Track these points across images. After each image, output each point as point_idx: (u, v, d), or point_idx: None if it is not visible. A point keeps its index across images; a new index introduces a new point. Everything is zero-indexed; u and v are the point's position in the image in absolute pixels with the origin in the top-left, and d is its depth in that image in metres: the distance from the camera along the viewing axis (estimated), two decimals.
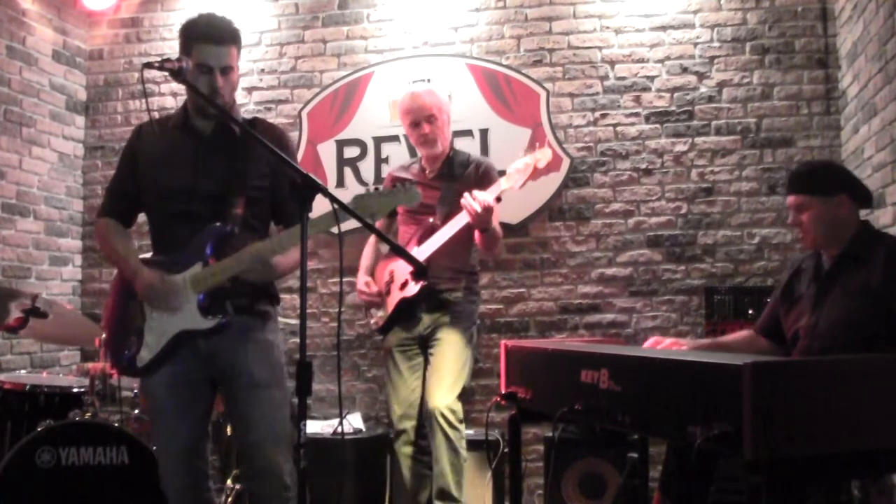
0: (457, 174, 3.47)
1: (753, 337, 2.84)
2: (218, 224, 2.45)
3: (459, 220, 3.25)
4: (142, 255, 2.65)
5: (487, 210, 3.14)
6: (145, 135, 2.60)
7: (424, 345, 3.44)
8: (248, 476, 2.59)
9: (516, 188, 3.34)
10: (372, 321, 3.56)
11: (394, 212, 3.56)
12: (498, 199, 3.25)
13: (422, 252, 3.29)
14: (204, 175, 2.49)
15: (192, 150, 2.52)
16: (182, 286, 2.44)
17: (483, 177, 3.45)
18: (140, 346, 2.48)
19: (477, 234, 3.29)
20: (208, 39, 2.44)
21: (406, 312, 3.42)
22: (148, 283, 2.43)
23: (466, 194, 3.18)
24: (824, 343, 2.50)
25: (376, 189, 2.31)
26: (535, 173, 3.35)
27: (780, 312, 2.74)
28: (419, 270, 2.86)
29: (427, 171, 3.55)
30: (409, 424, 3.42)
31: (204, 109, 2.51)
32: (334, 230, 2.14)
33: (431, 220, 3.37)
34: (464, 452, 3.31)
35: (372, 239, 3.66)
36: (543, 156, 3.32)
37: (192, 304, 2.43)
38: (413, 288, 3.33)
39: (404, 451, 3.45)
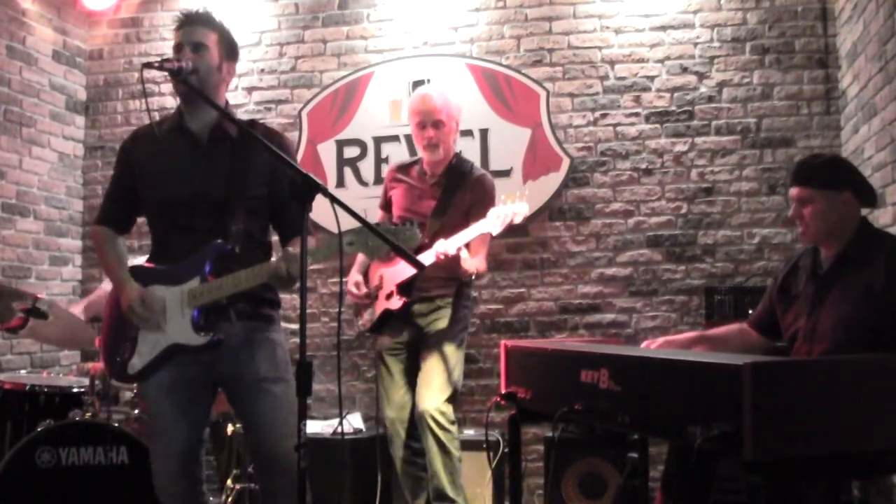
0: (454, 186, 3.46)
1: (744, 330, 2.83)
2: (220, 241, 2.45)
3: (428, 257, 3.21)
4: (141, 259, 2.65)
5: (448, 258, 3.16)
6: (141, 142, 2.60)
7: (416, 349, 3.44)
8: (262, 472, 2.58)
9: (493, 234, 3.32)
10: (360, 322, 3.57)
11: (389, 208, 3.57)
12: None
13: (410, 268, 3.28)
14: (203, 186, 2.48)
15: (189, 159, 2.51)
16: (177, 300, 2.44)
17: (479, 196, 3.43)
18: (133, 353, 2.49)
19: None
20: (180, 23, 2.55)
21: (390, 321, 3.44)
22: (128, 303, 2.46)
23: (437, 243, 3.19)
24: (825, 345, 2.49)
25: (377, 224, 2.27)
26: (511, 225, 3.32)
27: (778, 310, 2.73)
28: (417, 268, 2.85)
29: (428, 176, 3.54)
30: (402, 428, 3.42)
31: (196, 105, 2.51)
32: (334, 230, 2.15)
33: (420, 234, 3.34)
34: (457, 452, 3.31)
35: None
36: (520, 210, 3.27)
37: (186, 320, 2.43)
38: (396, 302, 3.36)
39: (398, 454, 3.45)
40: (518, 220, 3.30)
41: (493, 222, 3.24)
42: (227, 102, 2.64)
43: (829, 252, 2.60)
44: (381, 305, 3.43)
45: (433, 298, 3.42)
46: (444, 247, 3.17)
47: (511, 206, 3.26)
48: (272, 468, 2.49)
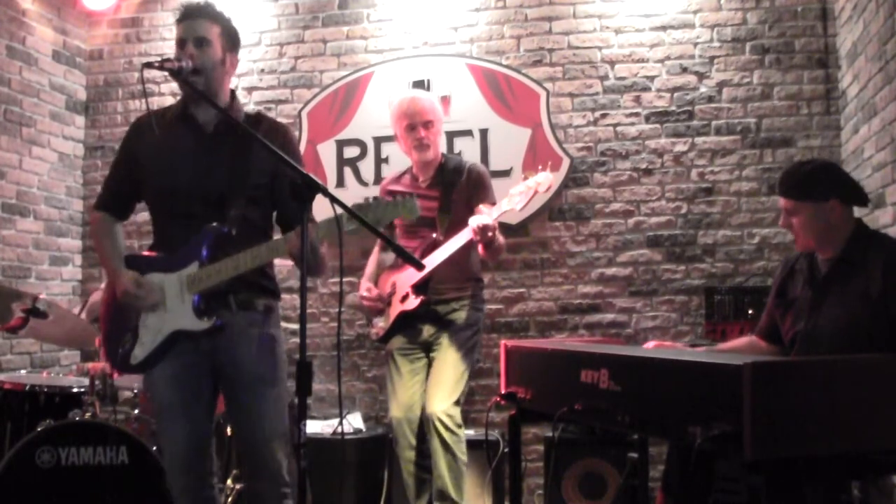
0: (451, 181, 3.47)
1: (754, 342, 2.83)
2: (215, 225, 2.44)
3: (462, 237, 3.25)
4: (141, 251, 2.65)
5: (485, 229, 3.15)
6: (144, 131, 2.58)
7: (428, 349, 3.45)
8: (250, 474, 2.58)
9: (517, 209, 3.34)
10: (373, 331, 3.57)
11: (391, 224, 3.55)
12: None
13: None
14: (204, 175, 2.47)
15: (192, 148, 2.51)
16: (177, 287, 2.44)
17: (477, 184, 3.46)
18: (134, 343, 2.48)
19: (480, 246, 3.30)
20: (182, 17, 2.52)
21: (406, 324, 3.43)
22: (123, 287, 2.46)
23: (471, 219, 3.20)
24: (824, 350, 2.48)
25: (375, 199, 2.26)
26: (536, 196, 3.34)
27: (776, 314, 2.73)
28: (418, 268, 2.85)
29: (420, 180, 3.54)
30: (409, 428, 3.41)
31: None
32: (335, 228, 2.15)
33: (434, 234, 3.36)
34: (463, 456, 3.31)
35: (376, 248, 3.66)
36: (545, 180, 3.29)
37: (187, 305, 2.42)
38: (413, 302, 3.35)
39: (404, 455, 3.44)
40: (543, 189, 3.31)
41: (515, 199, 3.27)
42: (233, 93, 2.62)
43: (825, 256, 2.60)
44: (396, 309, 3.42)
45: (448, 301, 3.43)
46: (479, 221, 3.16)
47: (533, 179, 3.28)
48: (258, 471, 2.49)
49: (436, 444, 3.26)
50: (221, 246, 2.43)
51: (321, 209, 2.30)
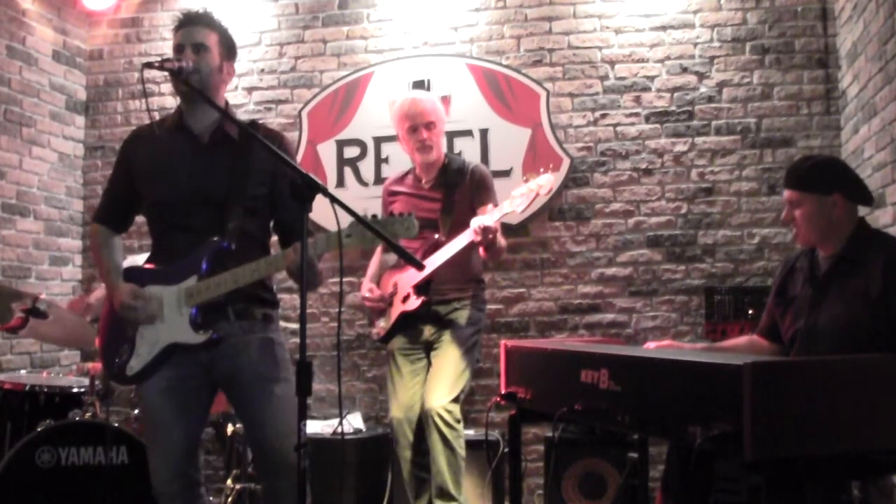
0: (454, 182, 3.47)
1: (755, 340, 2.83)
2: (216, 239, 2.44)
3: (464, 238, 3.25)
4: (139, 258, 2.65)
5: (486, 230, 3.15)
6: (141, 142, 2.59)
7: (429, 349, 3.46)
8: (264, 473, 2.57)
9: (518, 212, 3.34)
10: (374, 331, 3.57)
11: None
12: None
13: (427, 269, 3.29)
14: (201, 186, 2.48)
15: (189, 158, 2.51)
16: (175, 299, 2.44)
17: (479, 185, 3.47)
18: (131, 354, 2.48)
19: (481, 248, 3.30)
20: (181, 24, 2.53)
21: (407, 325, 3.44)
22: (121, 299, 2.45)
23: (473, 220, 3.20)
24: (823, 348, 2.49)
25: (374, 217, 2.28)
26: (537, 198, 3.34)
27: (776, 313, 2.73)
28: (419, 269, 2.85)
29: (423, 181, 3.55)
30: (409, 428, 3.41)
31: (197, 105, 2.50)
32: (334, 228, 2.15)
33: (436, 235, 3.37)
34: (461, 451, 3.31)
35: (378, 249, 3.67)
36: (546, 182, 3.28)
37: (185, 318, 2.43)
38: (414, 302, 3.36)
39: (404, 455, 3.44)
40: (544, 192, 3.30)
41: (516, 201, 3.26)
42: (227, 103, 2.63)
43: (826, 253, 2.60)
44: (398, 310, 3.43)
45: (450, 301, 3.44)
46: (480, 222, 3.15)
47: (535, 181, 3.27)
48: (275, 468, 2.48)
49: (434, 439, 3.26)
50: (221, 260, 2.44)
51: (323, 212, 2.31)
